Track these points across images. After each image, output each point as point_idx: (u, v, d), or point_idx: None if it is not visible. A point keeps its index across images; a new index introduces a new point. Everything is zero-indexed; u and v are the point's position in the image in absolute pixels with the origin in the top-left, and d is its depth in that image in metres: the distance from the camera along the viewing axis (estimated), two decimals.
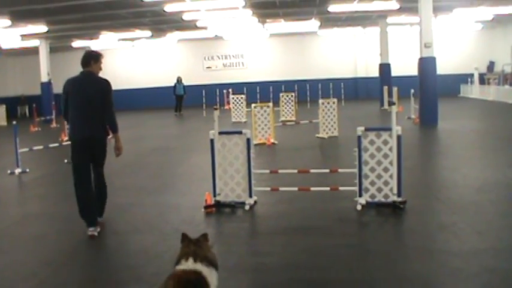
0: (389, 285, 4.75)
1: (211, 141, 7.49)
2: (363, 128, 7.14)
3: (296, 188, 7.93)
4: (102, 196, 6.86)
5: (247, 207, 7.36)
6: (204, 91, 27.12)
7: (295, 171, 8.65)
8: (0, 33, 21.30)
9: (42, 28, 21.21)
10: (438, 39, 20.88)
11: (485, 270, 4.84)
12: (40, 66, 27.64)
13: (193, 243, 3.24)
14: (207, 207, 7.39)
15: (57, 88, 28.95)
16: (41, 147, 13.22)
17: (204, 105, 25.60)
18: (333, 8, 20.02)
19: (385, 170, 7.02)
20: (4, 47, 26.48)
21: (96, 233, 6.42)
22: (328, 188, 7.79)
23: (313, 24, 26.00)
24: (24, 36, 23.42)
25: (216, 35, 29.52)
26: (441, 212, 7.01)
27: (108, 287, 5.07)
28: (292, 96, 20.58)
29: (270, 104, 14.85)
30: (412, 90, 18.49)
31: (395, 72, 26.41)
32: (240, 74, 33.53)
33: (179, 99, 27.92)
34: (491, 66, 31.38)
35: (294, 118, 19.63)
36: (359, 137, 7.10)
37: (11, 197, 9.55)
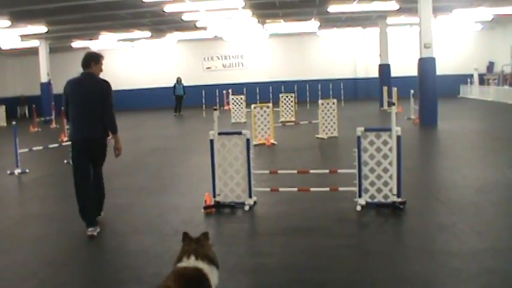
0: (389, 286, 4.75)
1: (211, 141, 7.49)
2: (362, 129, 7.14)
3: (296, 189, 7.92)
4: (100, 195, 6.88)
5: (246, 208, 7.36)
6: (203, 92, 27.13)
7: (295, 171, 8.65)
8: (0, 33, 21.31)
9: (41, 28, 21.21)
10: (438, 40, 20.89)
11: (485, 270, 4.84)
12: (40, 66, 27.65)
13: (195, 242, 3.31)
14: (206, 207, 7.39)
15: (57, 88, 29.02)
16: (40, 147, 13.21)
17: (203, 105, 25.61)
18: (332, 8, 20.03)
19: (385, 170, 7.02)
20: (4, 47, 26.48)
21: (95, 233, 6.43)
22: (327, 189, 7.78)
23: (312, 24, 26.01)
24: (23, 37, 23.43)
25: (215, 36, 29.53)
26: (441, 212, 7.01)
27: (108, 287, 5.07)
28: (291, 96, 20.58)
29: (270, 104, 14.85)
30: (412, 91, 18.49)
31: (395, 72, 26.41)
32: (239, 74, 33.54)
33: (179, 100, 27.93)
34: (490, 66, 31.39)
35: (293, 119, 19.62)
36: (359, 137, 7.10)
37: (11, 198, 9.55)
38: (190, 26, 24.59)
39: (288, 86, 29.47)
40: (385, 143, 7.04)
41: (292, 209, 7.46)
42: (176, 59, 33.85)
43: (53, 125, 23.64)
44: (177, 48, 33.62)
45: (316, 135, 14.92)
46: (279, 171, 8.81)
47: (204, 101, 25.95)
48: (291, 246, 5.94)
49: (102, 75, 6.79)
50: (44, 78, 27.74)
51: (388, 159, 7.01)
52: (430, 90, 17.00)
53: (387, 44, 26.33)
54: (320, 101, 15.22)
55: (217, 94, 27.79)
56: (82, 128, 6.48)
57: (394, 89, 21.94)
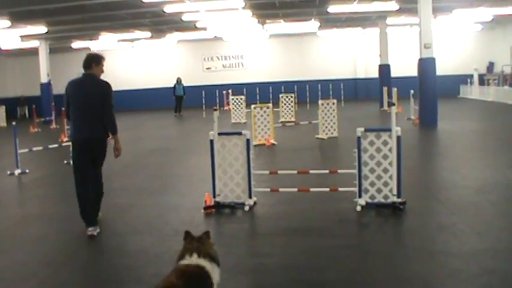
0: (388, 286, 4.75)
1: (211, 142, 7.49)
2: (362, 129, 7.15)
3: (296, 189, 7.93)
4: (98, 194, 6.88)
5: (246, 208, 7.37)
6: (203, 92, 27.14)
7: (295, 172, 8.65)
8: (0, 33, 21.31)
9: (41, 29, 21.21)
10: (438, 40, 20.89)
11: (485, 271, 4.84)
12: (40, 67, 27.63)
13: (196, 241, 3.37)
14: (206, 208, 7.39)
15: (57, 89, 29.09)
16: (40, 148, 13.21)
17: (203, 106, 25.62)
18: (332, 8, 20.02)
19: (385, 170, 7.03)
20: (4, 47, 26.47)
21: (95, 233, 6.44)
22: (327, 189, 7.78)
23: (312, 25, 26.01)
24: (23, 37, 23.41)
25: (215, 36, 29.52)
26: (441, 212, 7.01)
27: (108, 287, 5.07)
28: (291, 97, 20.58)
29: (270, 104, 14.84)
30: (412, 91, 18.49)
31: (394, 73, 26.41)
32: (239, 74, 33.54)
33: (179, 100, 27.94)
34: (490, 67, 31.39)
35: (293, 119, 19.62)
36: (358, 137, 7.10)
37: (11, 198, 9.54)
38: (190, 27, 24.59)
39: (288, 86, 29.48)
40: (385, 143, 7.05)
41: (292, 210, 7.46)
42: (176, 60, 33.85)
43: (53, 126, 23.63)
44: (177, 49, 33.62)
45: (316, 136, 14.92)
46: (279, 172, 8.81)
47: (204, 102, 25.96)
48: (291, 246, 5.94)
49: (102, 76, 6.81)
50: (44, 79, 27.74)
51: (388, 159, 7.01)
52: (430, 90, 17.00)
53: (387, 44, 26.33)
54: (320, 101, 15.22)
55: (217, 94, 27.78)
56: (82, 129, 6.53)
57: (394, 89, 21.94)
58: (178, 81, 28.30)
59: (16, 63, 34.05)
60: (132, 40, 29.53)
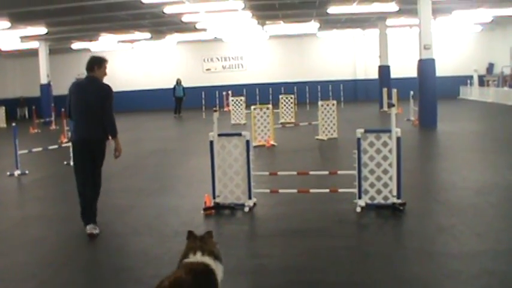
0: (388, 287, 4.75)
1: (211, 143, 7.49)
2: (362, 130, 7.15)
3: (295, 190, 7.93)
4: (96, 194, 6.88)
5: (246, 209, 7.36)
6: (203, 93, 27.15)
7: (295, 173, 8.65)
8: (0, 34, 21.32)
9: (41, 30, 21.21)
10: (437, 41, 20.88)
11: (485, 272, 4.84)
12: (39, 68, 27.63)
13: (199, 240, 3.44)
14: (206, 209, 7.39)
15: (57, 90, 29.14)
16: (40, 149, 13.22)
17: (203, 107, 25.63)
18: (332, 9, 20.02)
19: (385, 172, 7.03)
20: (3, 48, 26.47)
21: (95, 232, 6.47)
22: (327, 190, 7.79)
23: (312, 26, 26.02)
24: (23, 38, 23.41)
25: (215, 37, 29.52)
26: (440, 214, 7.01)
27: None
28: (291, 98, 20.59)
29: (270, 106, 14.84)
30: (412, 92, 18.50)
31: (394, 74, 26.40)
32: (239, 76, 33.54)
33: (178, 101, 27.94)
34: (490, 68, 31.40)
35: (293, 120, 19.64)
36: (358, 139, 7.11)
37: (10, 199, 9.54)
38: (190, 28, 24.59)
39: (287, 87, 29.47)
40: (384, 144, 7.05)
41: (292, 211, 7.46)
42: (176, 61, 33.85)
43: (53, 127, 23.62)
44: (177, 50, 33.61)
45: (316, 137, 14.92)
46: (279, 173, 8.81)
47: (203, 103, 25.97)
48: (291, 247, 5.94)
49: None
50: (43, 80, 27.73)
51: (387, 160, 7.02)
52: (429, 91, 17.00)
53: (387, 45, 26.34)
54: (320, 103, 15.22)
55: (217, 95, 27.78)
56: (82, 130, 6.59)
57: (394, 91, 21.95)
58: (178, 82, 28.29)
59: (16, 64, 34.05)
60: (132, 41, 29.54)
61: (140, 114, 29.76)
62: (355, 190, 7.21)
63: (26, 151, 12.14)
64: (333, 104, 15.16)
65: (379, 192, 7.09)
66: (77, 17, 19.65)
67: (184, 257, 3.37)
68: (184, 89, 28.25)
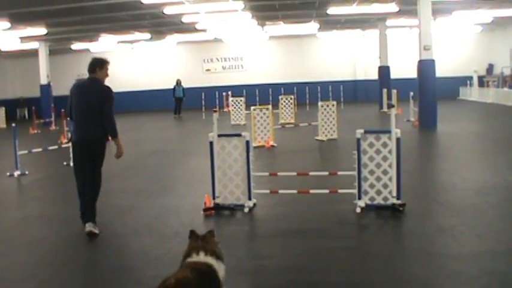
0: None
1: (211, 143, 7.49)
2: (362, 131, 7.15)
3: (295, 191, 7.93)
4: (95, 194, 6.89)
5: (246, 210, 7.37)
6: (203, 94, 27.15)
7: (295, 173, 8.65)
8: None
9: (41, 30, 21.22)
10: (437, 42, 20.89)
11: (484, 273, 4.85)
12: (39, 68, 27.63)
13: (201, 239, 3.48)
14: (206, 209, 7.39)
15: (57, 90, 29.13)
16: (40, 149, 13.22)
17: (203, 107, 25.63)
18: (332, 10, 20.05)
19: (385, 172, 7.04)
20: (3, 49, 26.47)
21: (95, 230, 6.48)
22: (327, 191, 7.79)
23: (312, 26, 26.03)
24: (23, 39, 23.41)
25: (215, 38, 29.53)
26: (440, 214, 7.01)
27: None
28: (291, 98, 20.59)
29: (269, 106, 14.84)
30: (411, 93, 18.51)
31: (394, 74, 26.41)
32: (239, 76, 33.56)
33: (178, 102, 27.94)
34: (490, 68, 31.41)
35: (293, 121, 19.64)
36: (358, 139, 7.11)
37: (10, 200, 9.54)
38: (190, 28, 24.60)
39: (287, 88, 29.46)
40: (384, 145, 7.05)
41: (292, 211, 7.46)
42: (176, 61, 33.86)
43: (53, 127, 23.62)
44: (177, 50, 33.62)
45: (316, 137, 14.92)
46: (279, 173, 8.81)
47: (203, 103, 25.97)
48: (291, 248, 5.94)
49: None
50: (43, 80, 27.73)
51: (387, 161, 7.02)
52: (429, 92, 17.01)
53: (387, 46, 26.35)
54: (320, 103, 15.22)
55: (216, 96, 27.79)
56: (82, 130, 6.65)
57: (394, 91, 21.95)
58: (178, 82, 28.29)
59: (16, 65, 34.06)
60: (132, 42, 29.56)
61: (140, 114, 29.76)
62: (355, 191, 7.21)
63: (25, 152, 12.14)
64: (333, 105, 15.15)
65: (378, 193, 7.10)
66: (76, 18, 19.65)
67: (187, 257, 3.40)
68: (184, 89, 28.25)
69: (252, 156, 7.66)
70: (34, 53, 27.49)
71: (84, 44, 28.50)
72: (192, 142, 16.34)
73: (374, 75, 27.61)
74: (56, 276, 5.31)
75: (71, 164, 8.60)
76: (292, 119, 19.88)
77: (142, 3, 16.76)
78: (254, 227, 7.02)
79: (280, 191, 7.97)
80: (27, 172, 11.37)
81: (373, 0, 19.18)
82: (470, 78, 29.90)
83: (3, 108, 28.14)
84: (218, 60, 34.38)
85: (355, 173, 7.19)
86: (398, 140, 6.94)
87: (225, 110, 26.96)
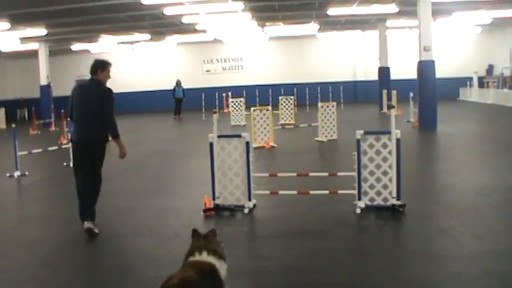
0: None
1: (211, 144, 7.49)
2: (362, 132, 7.15)
3: (295, 192, 7.93)
4: (95, 195, 6.90)
5: (246, 211, 7.37)
6: (203, 94, 27.16)
7: (295, 174, 8.65)
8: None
9: (41, 31, 21.22)
10: (437, 43, 20.92)
11: (484, 273, 4.84)
12: (39, 69, 27.60)
13: (203, 238, 3.54)
14: (206, 210, 7.39)
15: (57, 91, 29.12)
16: (40, 150, 13.22)
17: (203, 108, 25.64)
18: (332, 11, 20.05)
19: (384, 173, 7.04)
20: (3, 50, 26.49)
21: (91, 226, 6.49)
22: (327, 192, 7.79)
23: (312, 27, 26.04)
24: (23, 39, 23.43)
25: (215, 39, 29.54)
26: (440, 215, 7.02)
27: None
28: (291, 99, 20.60)
29: (269, 107, 14.84)
30: (411, 94, 18.52)
31: (394, 75, 26.41)
32: (239, 77, 33.57)
33: (178, 103, 27.93)
34: (490, 69, 31.42)
35: (293, 121, 19.64)
36: (358, 140, 7.11)
37: (10, 200, 9.54)
38: (190, 29, 24.61)
39: (287, 88, 29.46)
40: (384, 146, 7.05)
41: (292, 212, 7.46)
42: (176, 62, 33.87)
43: (53, 128, 23.63)
44: (177, 51, 33.64)
45: (316, 138, 14.91)
46: (279, 174, 8.81)
47: (203, 104, 25.98)
48: (291, 249, 5.94)
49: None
50: (43, 81, 27.70)
51: (387, 162, 7.02)
52: (429, 93, 17.02)
53: (387, 46, 26.35)
54: (320, 104, 15.22)
55: (216, 97, 27.81)
56: (82, 130, 6.69)
57: (394, 92, 21.95)
58: (178, 83, 28.29)
59: (16, 66, 34.06)
60: (131, 42, 29.57)
61: (140, 115, 29.77)
62: (355, 192, 7.21)
63: (25, 152, 12.14)
64: (333, 106, 15.15)
65: (378, 193, 7.10)
66: (76, 19, 19.66)
67: (189, 255, 3.43)
68: (184, 90, 28.24)
69: (252, 157, 7.66)
70: (34, 54, 27.47)
71: (84, 45, 28.51)
72: (192, 143, 16.34)
73: (374, 76, 27.62)
74: (55, 277, 5.31)
75: (71, 164, 8.62)
76: (292, 119, 19.88)
77: (142, 4, 16.76)
78: (254, 227, 7.02)
79: (280, 192, 7.97)
80: (27, 173, 11.37)
81: (373, 1, 19.18)
82: (470, 79, 29.91)
83: (3, 109, 28.15)
84: (218, 61, 34.40)
85: (355, 173, 7.19)
86: (398, 140, 6.95)
87: (225, 110, 26.95)
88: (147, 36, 26.38)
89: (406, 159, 8.81)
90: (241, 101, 21.39)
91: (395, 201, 6.98)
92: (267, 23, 25.09)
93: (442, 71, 21.00)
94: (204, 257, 3.39)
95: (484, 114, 22.68)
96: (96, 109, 6.61)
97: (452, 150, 12.93)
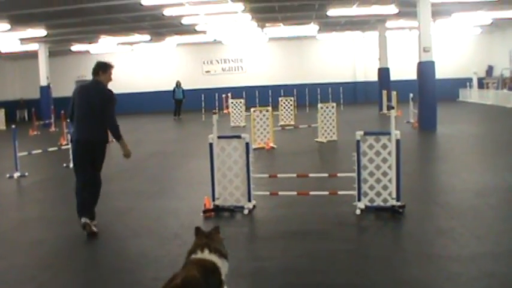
0: None
1: (210, 145, 7.49)
2: (361, 132, 7.15)
3: (295, 193, 7.93)
4: (95, 197, 6.91)
5: (246, 212, 7.36)
6: (203, 95, 27.16)
7: (294, 175, 8.64)
8: None
9: (41, 32, 21.22)
10: (437, 44, 20.92)
11: (484, 274, 4.84)
12: (39, 70, 27.61)
13: (206, 236, 3.63)
14: (205, 211, 7.38)
15: (57, 92, 29.12)
16: (39, 151, 13.21)
17: (203, 109, 25.64)
18: (331, 12, 20.06)
19: (384, 174, 7.03)
20: (3, 50, 26.49)
21: (87, 221, 6.51)
22: (327, 193, 7.79)
23: (312, 28, 26.04)
24: (23, 40, 23.44)
25: (215, 39, 29.56)
26: (440, 216, 7.02)
27: None
28: (291, 100, 20.61)
29: (269, 108, 14.84)
30: (411, 95, 18.52)
31: (394, 76, 26.43)
32: (239, 78, 33.58)
33: (178, 104, 27.93)
34: (489, 70, 31.44)
35: (293, 122, 19.65)
36: (358, 141, 7.10)
37: (10, 201, 9.53)
38: (190, 30, 24.62)
39: (287, 89, 29.48)
40: (384, 146, 7.05)
41: (292, 213, 7.46)
42: (176, 63, 33.88)
43: (52, 129, 23.64)
44: (177, 52, 33.65)
45: (316, 139, 14.91)
46: (279, 175, 8.81)
47: (203, 105, 25.98)
48: (290, 250, 5.94)
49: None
50: (43, 82, 27.70)
51: (387, 163, 7.02)
52: (429, 94, 17.02)
53: (386, 47, 26.36)
54: (319, 105, 15.22)
55: (216, 98, 27.82)
56: (82, 130, 6.74)
57: (394, 93, 21.96)
58: (178, 84, 28.29)
59: (15, 66, 34.07)
60: (131, 43, 29.57)
61: (140, 116, 29.77)
62: (355, 192, 7.21)
63: (25, 153, 12.14)
64: (333, 107, 15.15)
65: (378, 194, 7.09)
66: (76, 19, 19.67)
67: (191, 253, 3.51)
68: (183, 91, 28.24)
69: (252, 158, 7.66)
70: (34, 55, 27.48)
71: (84, 46, 28.51)
72: (191, 144, 16.34)
73: (374, 76, 27.63)
74: (55, 278, 5.31)
75: (71, 165, 8.63)
76: (292, 120, 19.89)
77: (142, 4, 16.77)
78: (254, 228, 7.02)
79: (280, 193, 7.97)
80: (26, 174, 11.37)
81: (373, 2, 19.19)
82: (470, 80, 29.93)
83: (3, 109, 28.14)
84: (218, 62, 34.41)
85: (354, 174, 7.19)
86: (398, 141, 6.94)
87: (225, 111, 26.96)
88: (147, 37, 26.39)
89: (406, 160, 8.81)
90: (241, 102, 21.40)
91: (395, 202, 6.98)
92: (266, 24, 25.11)
93: (441, 72, 21.01)
94: (206, 254, 3.46)
95: (483, 115, 22.68)
96: (96, 109, 6.66)
97: (452, 151, 12.93)
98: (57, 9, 17.47)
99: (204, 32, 25.57)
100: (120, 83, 29.35)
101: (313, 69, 32.99)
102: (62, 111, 16.75)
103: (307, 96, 28.56)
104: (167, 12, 18.28)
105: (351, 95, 31.56)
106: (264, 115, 14.27)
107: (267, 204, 7.80)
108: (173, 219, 7.33)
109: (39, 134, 21.99)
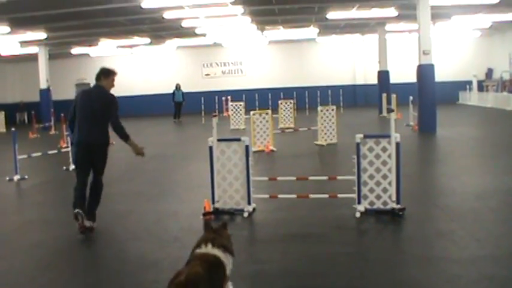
0: None
1: (210, 148, 7.49)
2: (361, 135, 7.15)
3: (295, 195, 7.92)
4: (96, 200, 6.98)
5: (246, 215, 7.36)
6: (202, 98, 27.15)
7: (294, 178, 8.65)
8: None
9: (41, 35, 21.26)
10: (436, 47, 20.95)
11: (484, 277, 4.84)
12: (39, 73, 27.64)
13: (213, 231, 3.77)
14: (205, 214, 7.38)
15: (56, 95, 29.11)
16: (39, 154, 13.21)
17: (202, 112, 25.64)
18: (331, 15, 20.09)
19: (384, 177, 7.03)
20: (3, 53, 26.51)
21: (80, 210, 6.60)
22: (326, 195, 7.78)
23: (311, 31, 26.08)
24: (23, 43, 23.46)
25: (214, 42, 29.60)
26: (440, 219, 7.01)
27: None
28: (291, 103, 20.61)
29: (269, 111, 14.85)
30: (411, 98, 18.53)
31: (394, 79, 26.45)
32: (238, 81, 33.59)
33: (178, 106, 27.96)
34: (489, 73, 31.47)
35: (292, 125, 19.65)
36: (358, 144, 7.11)
37: (10, 204, 9.54)
38: (190, 33, 24.65)
39: (287, 92, 29.52)
40: (384, 149, 7.05)
41: (291, 216, 7.45)
42: (175, 66, 33.89)
43: (52, 132, 23.63)
44: (177, 55, 33.67)
45: (315, 142, 14.92)
46: (278, 178, 8.81)
47: (203, 108, 25.98)
48: (290, 252, 5.93)
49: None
50: (43, 85, 27.73)
51: (387, 165, 7.02)
52: (429, 96, 17.03)
53: (386, 50, 26.39)
54: (319, 108, 15.23)
55: (216, 101, 27.82)
56: (85, 133, 6.89)
57: (393, 96, 21.98)
58: (178, 87, 28.32)
59: (15, 69, 34.09)
60: (131, 46, 29.59)
61: (139, 119, 29.72)
62: (355, 195, 7.21)
63: (25, 156, 12.13)
64: (332, 109, 15.16)
65: (378, 197, 7.09)
66: (76, 22, 19.69)
67: (196, 247, 3.61)
68: (183, 94, 28.27)
69: (252, 160, 7.66)
70: (34, 58, 27.51)
71: (84, 49, 28.53)
72: (191, 147, 16.33)
73: (373, 79, 27.64)
74: (55, 280, 5.30)
75: (71, 168, 8.64)
76: (292, 123, 19.89)
77: (142, 7, 16.79)
78: (253, 231, 7.01)
79: (279, 196, 7.96)
80: (26, 176, 11.37)
81: (372, 5, 19.22)
82: (470, 82, 29.96)
83: (3, 112, 28.15)
84: (218, 65, 34.43)
85: (354, 177, 7.19)
86: (397, 144, 6.95)
87: (225, 114, 26.98)
88: (147, 40, 26.41)
89: (406, 162, 8.81)
90: (240, 105, 21.40)
91: (395, 205, 6.98)
92: (266, 27, 25.14)
93: (441, 75, 21.04)
94: (209, 249, 3.55)
95: (483, 117, 22.70)
96: (97, 113, 6.83)
97: (451, 153, 12.94)
98: (57, 12, 17.47)
99: (203, 35, 25.61)
100: (119, 86, 29.15)
101: (312, 72, 33.01)
102: (62, 114, 16.74)
103: (307, 99, 28.58)
104: (167, 15, 18.31)
105: (351, 97, 31.58)
106: (263, 118, 14.28)
107: (266, 207, 7.79)
108: (173, 222, 7.33)
109: (39, 137, 21.98)
